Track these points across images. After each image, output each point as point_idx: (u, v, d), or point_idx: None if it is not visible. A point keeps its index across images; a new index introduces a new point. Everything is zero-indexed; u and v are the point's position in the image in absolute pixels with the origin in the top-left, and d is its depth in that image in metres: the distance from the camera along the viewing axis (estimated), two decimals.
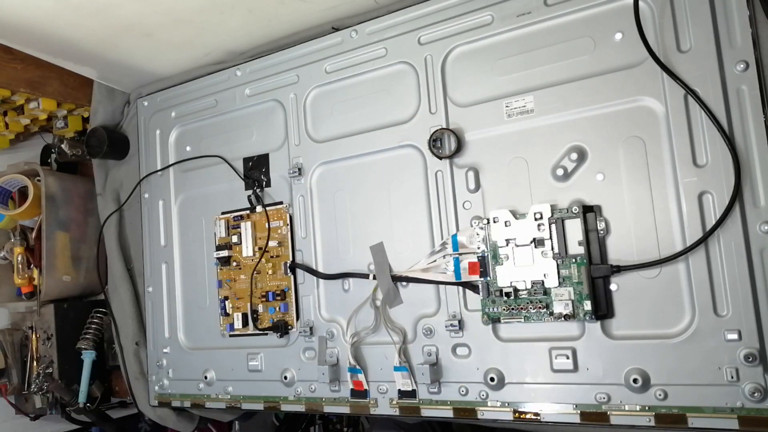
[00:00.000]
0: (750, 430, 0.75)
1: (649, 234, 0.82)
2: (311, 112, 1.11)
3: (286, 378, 1.08)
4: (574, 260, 0.84)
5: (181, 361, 1.23)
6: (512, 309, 0.88)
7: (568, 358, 0.85)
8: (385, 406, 0.99)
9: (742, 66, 0.77)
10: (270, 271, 1.11)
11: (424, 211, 0.98)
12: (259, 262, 1.12)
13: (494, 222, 0.90)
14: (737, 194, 0.76)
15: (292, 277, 1.09)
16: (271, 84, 1.15)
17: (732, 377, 0.75)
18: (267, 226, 1.12)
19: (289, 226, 1.11)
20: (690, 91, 0.79)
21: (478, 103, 0.95)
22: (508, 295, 0.88)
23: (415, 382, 0.96)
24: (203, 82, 1.24)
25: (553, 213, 0.86)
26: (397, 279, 0.99)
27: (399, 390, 0.97)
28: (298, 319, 1.09)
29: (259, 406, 1.12)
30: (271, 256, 1.12)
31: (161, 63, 1.26)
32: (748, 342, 0.75)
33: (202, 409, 1.20)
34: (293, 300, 1.09)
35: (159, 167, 1.29)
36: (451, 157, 0.95)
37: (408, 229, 0.99)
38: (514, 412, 0.89)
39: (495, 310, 0.89)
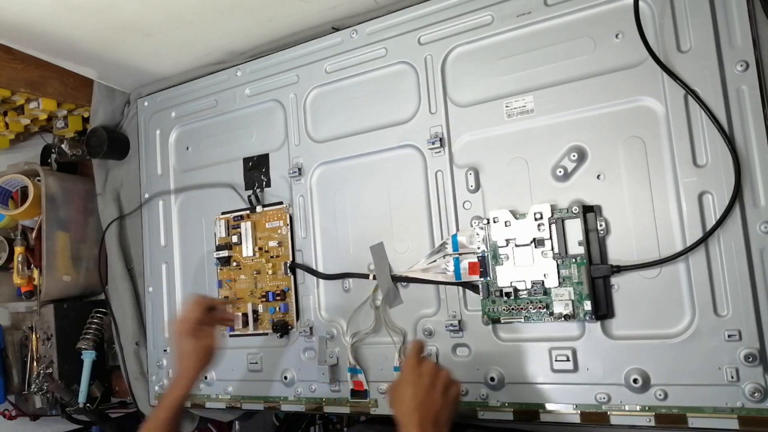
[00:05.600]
0: (750, 430, 0.75)
1: (649, 234, 0.82)
2: (311, 112, 1.11)
3: (286, 378, 1.08)
4: (574, 260, 0.84)
5: None
6: (512, 309, 0.88)
7: (568, 358, 0.85)
8: (385, 406, 0.99)
9: (742, 66, 0.77)
10: (270, 271, 1.11)
11: (424, 211, 0.98)
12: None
13: (494, 222, 0.90)
14: (737, 194, 0.76)
15: (292, 277, 1.09)
16: (271, 84, 1.15)
17: (732, 377, 0.75)
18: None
19: (289, 226, 1.11)
20: (690, 91, 0.79)
21: (478, 103, 0.95)
22: (508, 295, 0.88)
23: None
24: (203, 82, 1.24)
25: (553, 213, 0.86)
26: (397, 279, 0.99)
27: None
28: (298, 319, 1.09)
29: (259, 406, 1.12)
30: (271, 256, 1.12)
31: (161, 63, 1.26)
32: (748, 342, 0.75)
33: (202, 409, 1.20)
34: (293, 300, 1.09)
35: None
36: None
37: (408, 229, 0.99)
38: (514, 412, 0.89)
39: (495, 310, 0.89)
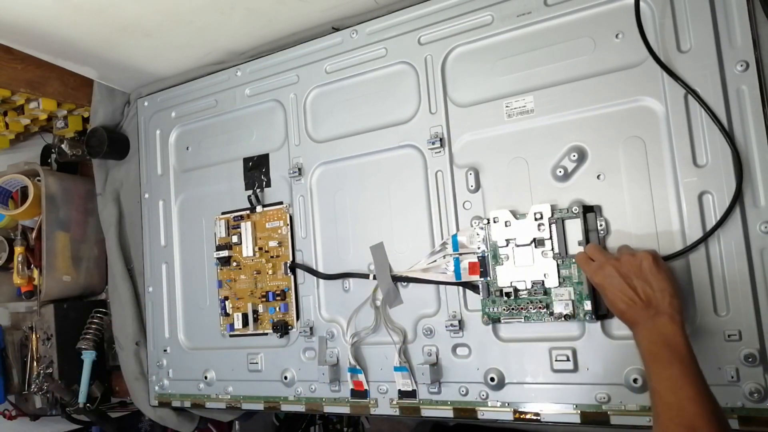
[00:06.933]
0: (750, 430, 0.75)
1: (649, 234, 0.82)
2: (311, 112, 1.11)
3: (286, 378, 1.08)
4: (574, 260, 0.84)
5: (181, 361, 1.23)
6: (512, 309, 0.88)
7: (568, 358, 0.85)
8: (385, 406, 0.99)
9: (742, 66, 0.77)
10: (270, 271, 1.11)
11: (424, 211, 0.98)
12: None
13: (494, 222, 0.90)
14: (739, 194, 0.76)
15: (292, 277, 1.09)
16: (271, 84, 1.15)
17: (732, 377, 0.75)
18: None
19: (289, 226, 1.11)
20: (690, 90, 0.79)
21: (478, 103, 0.95)
22: (508, 295, 0.88)
23: (415, 382, 0.96)
24: (203, 83, 1.24)
25: (553, 213, 0.86)
26: (397, 279, 0.99)
27: (399, 390, 0.97)
28: (298, 319, 1.09)
29: (259, 406, 1.12)
30: (271, 256, 1.12)
31: (161, 63, 1.26)
32: (748, 342, 0.75)
33: (202, 409, 1.20)
34: (293, 300, 1.09)
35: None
36: None
37: (408, 229, 0.99)
38: (515, 412, 0.89)
39: (495, 310, 0.89)
